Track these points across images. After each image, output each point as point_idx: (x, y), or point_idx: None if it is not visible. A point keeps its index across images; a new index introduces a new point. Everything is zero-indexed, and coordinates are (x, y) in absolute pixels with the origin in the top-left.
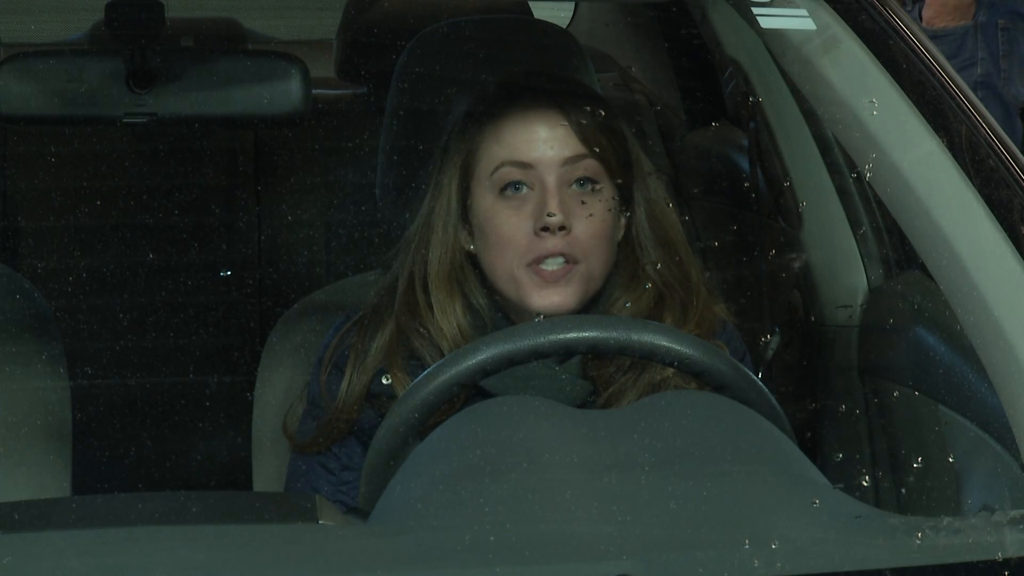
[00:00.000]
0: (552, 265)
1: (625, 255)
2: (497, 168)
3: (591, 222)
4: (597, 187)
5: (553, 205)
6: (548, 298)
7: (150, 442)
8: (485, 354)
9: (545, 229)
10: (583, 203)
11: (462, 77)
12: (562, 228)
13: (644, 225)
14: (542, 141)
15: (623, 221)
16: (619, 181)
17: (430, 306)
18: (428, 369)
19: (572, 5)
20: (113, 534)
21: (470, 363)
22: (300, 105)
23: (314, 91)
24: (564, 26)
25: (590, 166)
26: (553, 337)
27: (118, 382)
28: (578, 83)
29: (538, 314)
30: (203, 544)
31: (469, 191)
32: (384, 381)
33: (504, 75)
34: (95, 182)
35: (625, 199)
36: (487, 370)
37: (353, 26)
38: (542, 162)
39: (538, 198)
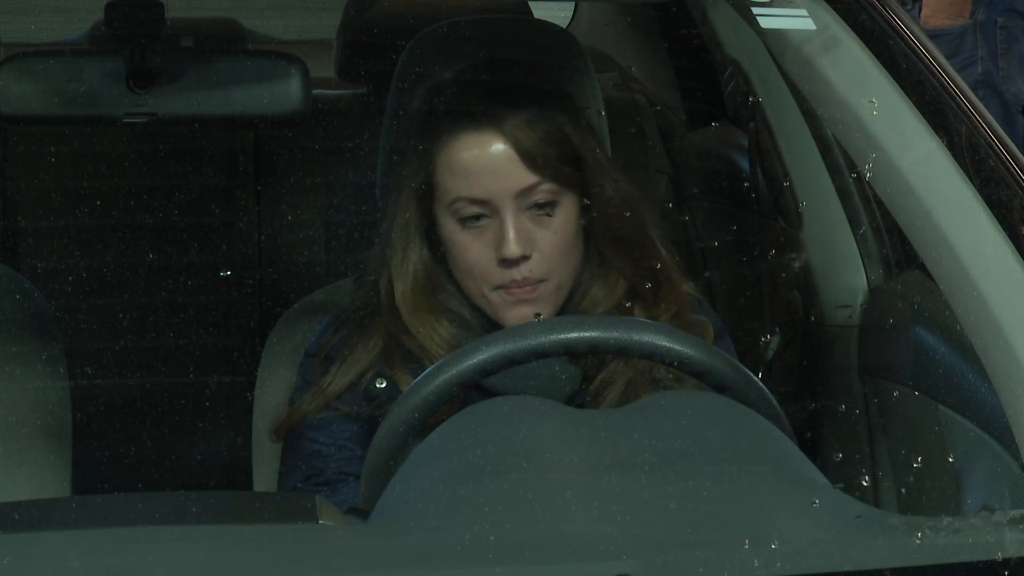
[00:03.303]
0: (520, 286)
1: (592, 245)
2: (453, 201)
3: (553, 239)
4: (556, 204)
5: (511, 238)
6: (522, 316)
7: (150, 442)
8: (486, 354)
9: (505, 261)
10: (543, 224)
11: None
12: (523, 258)
13: (604, 215)
14: (494, 175)
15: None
16: (576, 185)
17: (412, 318)
18: (428, 369)
19: (572, 5)
20: (113, 534)
21: (470, 363)
22: (300, 105)
23: (314, 91)
24: (564, 26)
25: (545, 189)
26: (554, 337)
27: (118, 382)
28: (539, 80)
29: (538, 314)
30: (203, 544)
31: (432, 212)
32: (378, 385)
33: (456, 74)
34: (95, 182)
35: (584, 193)
36: (487, 370)
37: (353, 26)
38: (496, 196)
39: (496, 228)
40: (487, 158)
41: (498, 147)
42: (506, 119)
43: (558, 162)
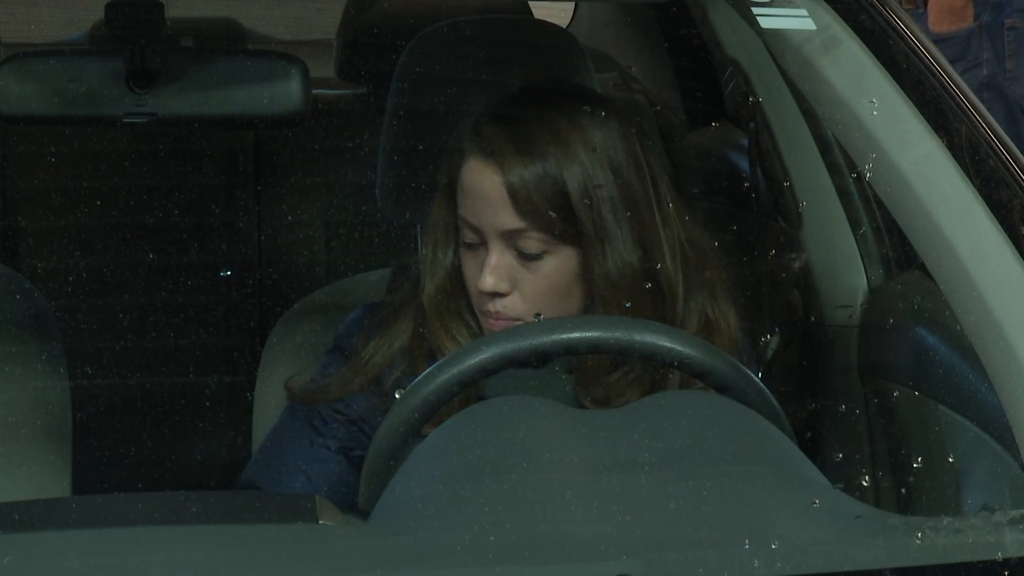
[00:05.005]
0: (495, 318)
1: (596, 295)
2: (458, 217)
3: (537, 283)
4: (547, 252)
5: (487, 272)
6: None
7: (150, 442)
8: (486, 354)
9: (483, 291)
10: (529, 267)
11: (462, 77)
12: (497, 294)
13: (601, 279)
14: (485, 207)
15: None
16: (573, 243)
17: (433, 316)
18: (428, 369)
19: (572, 5)
20: (113, 534)
21: (471, 363)
22: (300, 105)
23: (314, 91)
24: (564, 26)
25: (535, 237)
26: (555, 337)
27: (118, 382)
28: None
29: (538, 314)
30: (203, 544)
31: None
32: (396, 396)
33: (513, 90)
34: (95, 182)
35: (581, 252)
36: (488, 370)
37: (353, 26)
38: (484, 228)
39: (483, 256)
40: (483, 189)
41: (495, 183)
42: (513, 160)
43: (552, 217)
